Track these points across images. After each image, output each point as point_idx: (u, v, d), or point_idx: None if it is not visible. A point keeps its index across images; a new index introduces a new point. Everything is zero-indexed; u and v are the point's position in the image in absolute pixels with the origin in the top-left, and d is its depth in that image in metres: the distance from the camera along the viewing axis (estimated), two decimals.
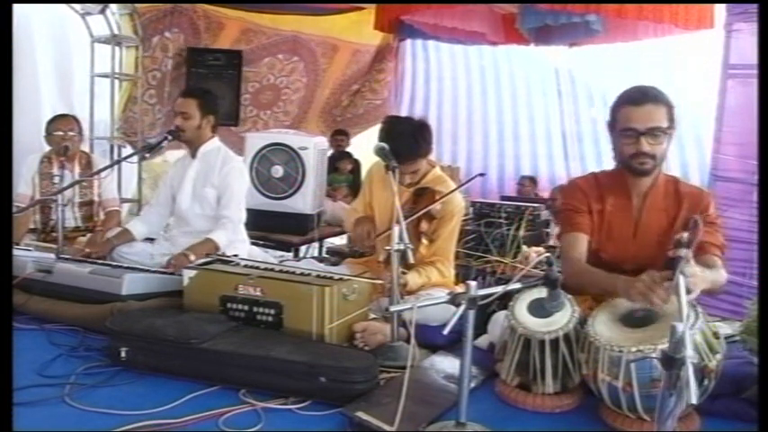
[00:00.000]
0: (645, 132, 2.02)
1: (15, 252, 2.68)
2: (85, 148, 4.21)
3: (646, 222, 2.14)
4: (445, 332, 1.51)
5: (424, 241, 2.66)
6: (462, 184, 2.76)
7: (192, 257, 2.71)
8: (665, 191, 2.15)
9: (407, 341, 2.10)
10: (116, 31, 5.10)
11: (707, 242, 1.99)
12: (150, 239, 3.23)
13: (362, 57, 6.80)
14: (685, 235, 1.45)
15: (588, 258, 2.18)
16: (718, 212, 2.19)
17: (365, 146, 6.40)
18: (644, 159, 2.05)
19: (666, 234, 2.07)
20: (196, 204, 3.13)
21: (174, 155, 3.48)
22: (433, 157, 2.98)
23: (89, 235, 3.45)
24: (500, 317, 2.08)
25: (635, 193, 2.16)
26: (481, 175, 3.19)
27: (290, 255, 4.25)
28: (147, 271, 2.62)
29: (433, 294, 2.31)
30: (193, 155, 3.17)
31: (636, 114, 2.02)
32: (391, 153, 2.37)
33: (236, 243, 3.06)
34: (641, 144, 2.03)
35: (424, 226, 2.64)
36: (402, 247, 2.13)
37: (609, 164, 2.28)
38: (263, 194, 4.19)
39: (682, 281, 1.46)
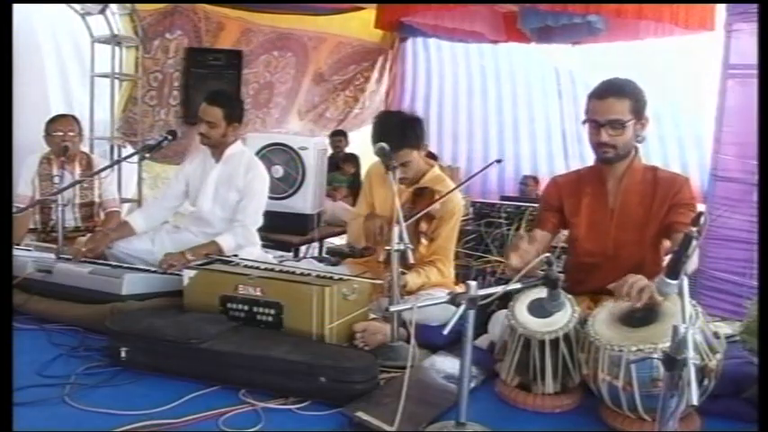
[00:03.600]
0: (604, 124, 2.15)
1: (15, 252, 2.68)
2: (85, 148, 4.21)
3: (622, 207, 2.26)
4: (445, 332, 1.51)
5: (424, 241, 2.66)
6: (480, 171, 2.74)
7: (190, 256, 2.71)
8: (643, 177, 2.26)
9: (407, 341, 2.10)
10: (116, 32, 5.10)
11: (678, 221, 2.11)
12: (150, 239, 3.22)
13: (344, 48, 6.77)
14: (694, 229, 1.44)
15: (575, 249, 2.37)
16: (695, 196, 2.30)
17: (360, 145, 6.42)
18: (605, 149, 2.19)
19: (643, 218, 2.23)
20: (217, 207, 3.12)
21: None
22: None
23: (89, 235, 3.45)
24: (500, 316, 2.08)
25: (610, 180, 2.29)
26: (498, 161, 3.28)
27: (290, 255, 4.25)
28: (147, 271, 2.61)
29: (434, 294, 2.31)
30: (217, 158, 3.15)
31: (598, 107, 2.17)
32: (388, 150, 2.38)
33: (248, 247, 3.02)
34: (601, 134, 2.17)
35: (424, 226, 2.63)
36: (402, 247, 2.13)
37: None
38: None
39: (685, 281, 1.45)
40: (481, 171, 2.70)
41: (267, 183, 3.21)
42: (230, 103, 3.13)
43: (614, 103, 2.14)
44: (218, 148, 3.13)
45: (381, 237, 2.70)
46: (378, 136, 2.51)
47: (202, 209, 3.15)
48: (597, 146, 2.20)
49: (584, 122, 2.24)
